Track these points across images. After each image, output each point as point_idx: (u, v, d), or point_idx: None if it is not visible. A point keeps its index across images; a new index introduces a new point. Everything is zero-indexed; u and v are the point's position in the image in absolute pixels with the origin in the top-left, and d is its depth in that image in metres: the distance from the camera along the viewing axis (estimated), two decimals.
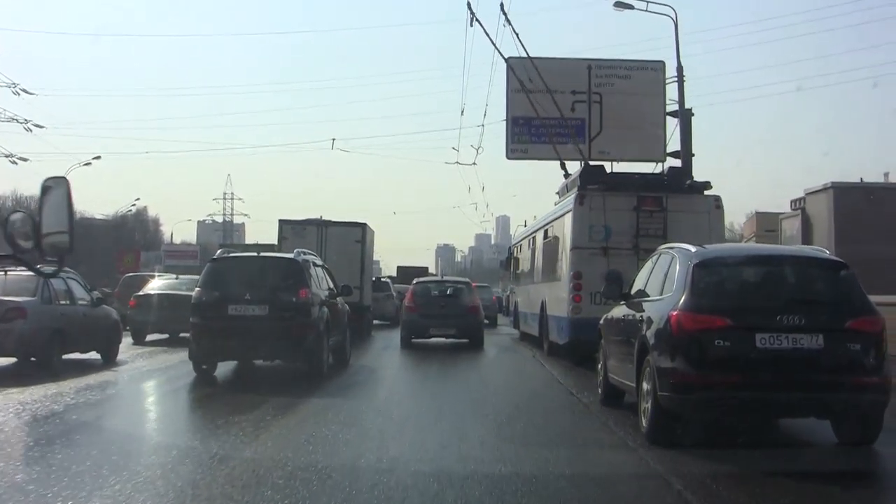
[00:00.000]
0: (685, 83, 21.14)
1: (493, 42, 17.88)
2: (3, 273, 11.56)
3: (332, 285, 13.27)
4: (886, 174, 28.39)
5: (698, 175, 16.03)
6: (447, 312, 17.96)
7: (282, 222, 20.74)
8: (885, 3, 71.30)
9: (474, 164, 33.95)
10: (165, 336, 18.06)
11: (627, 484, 5.84)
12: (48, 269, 3.71)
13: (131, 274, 27.81)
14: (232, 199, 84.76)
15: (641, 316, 7.53)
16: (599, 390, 9.27)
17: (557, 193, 17.64)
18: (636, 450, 6.60)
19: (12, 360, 11.88)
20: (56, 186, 3.09)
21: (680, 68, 21.21)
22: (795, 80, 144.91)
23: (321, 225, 20.78)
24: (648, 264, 8.44)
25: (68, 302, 12.65)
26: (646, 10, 21.15)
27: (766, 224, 29.15)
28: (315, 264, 12.63)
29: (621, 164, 19.78)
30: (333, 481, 5.39)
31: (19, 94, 36.52)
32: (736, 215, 51.56)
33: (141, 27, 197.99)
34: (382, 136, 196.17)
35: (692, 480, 5.51)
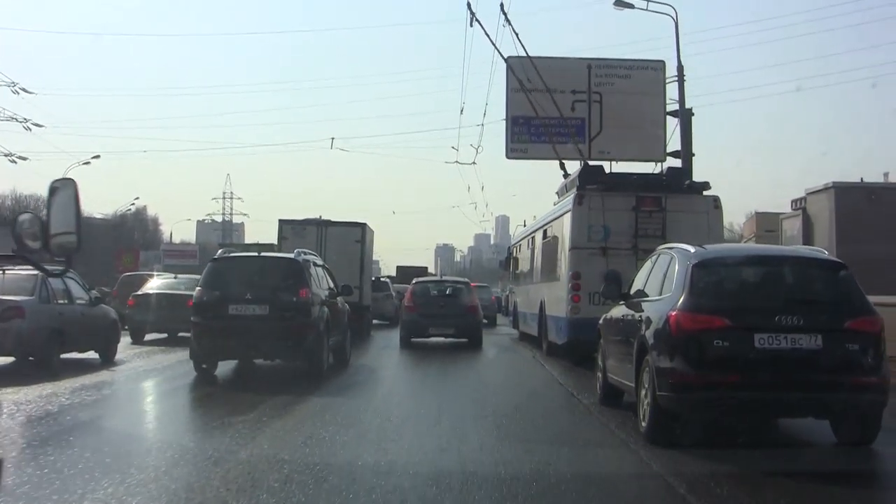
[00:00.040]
0: (685, 83, 21.17)
1: (492, 42, 17.92)
2: (1, 272, 11.53)
3: (332, 285, 13.27)
4: (886, 174, 28.30)
5: (698, 175, 16.09)
6: (446, 312, 18.00)
7: (282, 222, 20.74)
8: (885, 3, 71.30)
9: (474, 163, 34.02)
10: (164, 335, 18.02)
11: (627, 484, 5.83)
12: (56, 268, 3.78)
13: (130, 273, 27.80)
14: (231, 198, 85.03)
15: (640, 316, 7.52)
16: (598, 390, 9.25)
17: (557, 193, 17.63)
18: (636, 450, 6.58)
19: (10, 359, 11.84)
20: (64, 188, 3.17)
21: (680, 68, 21.23)
22: (795, 80, 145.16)
23: (321, 225, 20.78)
24: (647, 264, 8.43)
25: (66, 301, 12.62)
26: (646, 10, 21.19)
27: (767, 224, 29.07)
28: (315, 264, 12.62)
29: (621, 163, 19.83)
30: (330, 484, 5.32)
31: (19, 93, 36.65)
32: (736, 215, 51.49)
33: (141, 27, 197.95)
34: (382, 135, 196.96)
35: (692, 480, 5.49)
